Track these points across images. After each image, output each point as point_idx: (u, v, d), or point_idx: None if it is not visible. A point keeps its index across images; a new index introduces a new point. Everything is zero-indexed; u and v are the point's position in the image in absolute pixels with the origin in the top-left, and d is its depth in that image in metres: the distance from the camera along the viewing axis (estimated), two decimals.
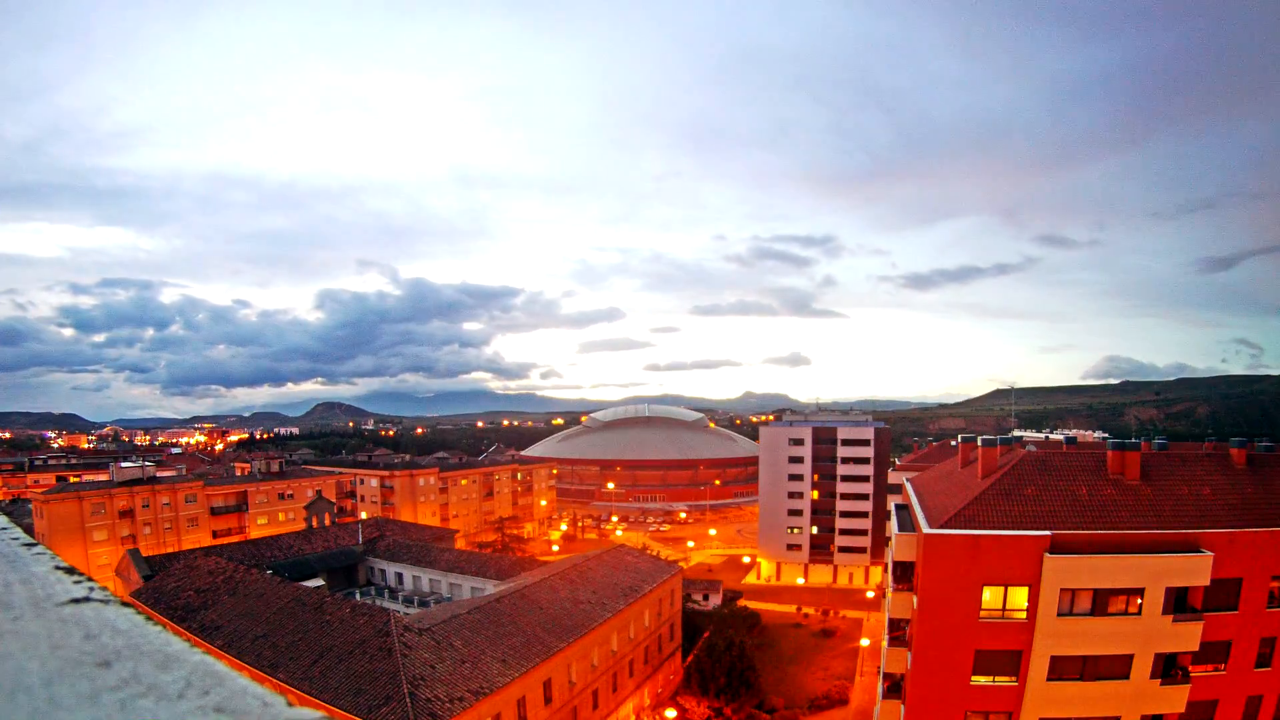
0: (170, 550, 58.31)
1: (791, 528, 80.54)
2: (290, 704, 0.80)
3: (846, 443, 79.41)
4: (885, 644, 32.23)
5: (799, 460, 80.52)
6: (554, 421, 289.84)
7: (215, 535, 71.34)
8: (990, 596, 26.15)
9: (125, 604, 1.13)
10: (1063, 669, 25.72)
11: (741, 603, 66.77)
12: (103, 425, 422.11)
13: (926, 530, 26.99)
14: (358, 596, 47.77)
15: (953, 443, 53.66)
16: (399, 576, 50.56)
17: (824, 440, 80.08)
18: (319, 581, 45.23)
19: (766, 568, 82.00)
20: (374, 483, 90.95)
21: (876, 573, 74.48)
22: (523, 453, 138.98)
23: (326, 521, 63.22)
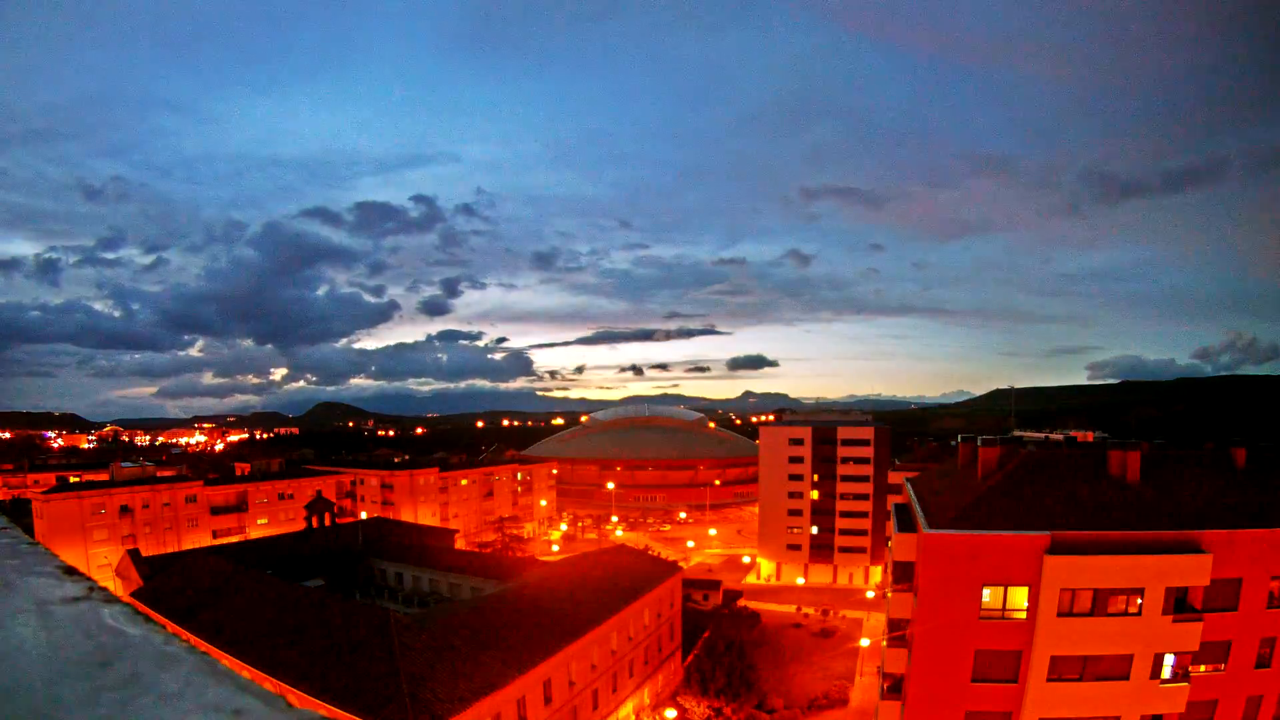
0: (170, 550, 58.33)
1: (791, 528, 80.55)
2: (290, 704, 0.80)
3: (846, 443, 79.40)
4: (885, 644, 32.24)
5: (799, 460, 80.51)
6: (554, 421, 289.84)
7: (215, 535, 71.39)
8: (990, 596, 26.16)
9: (125, 604, 1.12)
10: (1063, 669, 25.72)
11: (741, 603, 66.77)
12: (103, 425, 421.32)
13: (926, 530, 27.00)
14: (358, 596, 47.73)
15: (953, 443, 53.65)
16: (399, 576, 50.51)
17: (824, 440, 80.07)
18: (319, 581, 45.23)
19: (766, 568, 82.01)
20: (374, 482, 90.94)
21: (876, 573, 74.47)
22: (523, 453, 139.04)
23: (326, 521, 63.18)
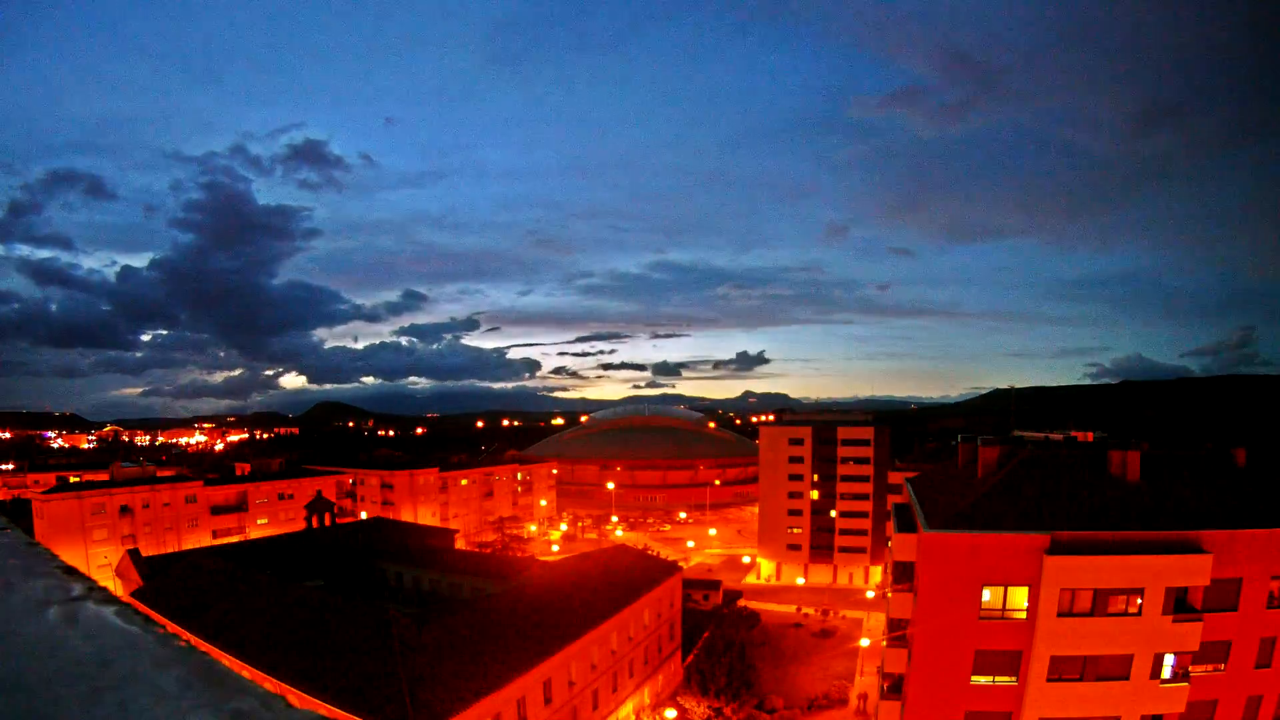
0: (170, 550, 58.32)
1: (791, 528, 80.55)
2: (290, 704, 0.79)
3: (846, 443, 79.38)
4: (885, 644, 32.25)
5: (799, 460, 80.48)
6: (554, 421, 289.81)
7: (215, 535, 71.40)
8: (990, 596, 26.17)
9: (125, 604, 1.12)
10: (1062, 669, 25.74)
11: (741, 603, 66.79)
12: (103, 425, 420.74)
13: (926, 530, 27.01)
14: (358, 597, 47.71)
15: (953, 443, 53.63)
16: (399, 576, 50.53)
17: (824, 440, 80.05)
18: (319, 582, 45.21)
19: (766, 568, 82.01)
20: (374, 482, 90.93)
21: (876, 573, 74.46)
22: (523, 453, 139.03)
23: (326, 521, 63.19)
